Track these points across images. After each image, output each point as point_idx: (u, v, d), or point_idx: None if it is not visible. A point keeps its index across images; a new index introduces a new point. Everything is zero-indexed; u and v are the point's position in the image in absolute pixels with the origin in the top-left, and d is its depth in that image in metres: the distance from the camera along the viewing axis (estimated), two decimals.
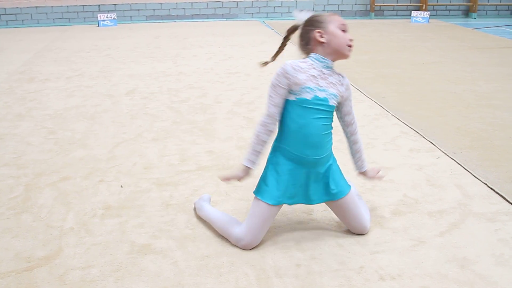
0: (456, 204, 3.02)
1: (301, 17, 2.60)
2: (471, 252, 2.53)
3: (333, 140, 2.62)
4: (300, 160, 2.53)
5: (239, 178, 2.58)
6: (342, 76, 2.60)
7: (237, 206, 2.99)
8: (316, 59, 2.52)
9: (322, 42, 2.50)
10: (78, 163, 3.65)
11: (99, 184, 3.30)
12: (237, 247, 2.57)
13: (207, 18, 12.35)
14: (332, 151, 2.66)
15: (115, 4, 12.06)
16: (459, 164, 3.61)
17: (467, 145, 3.98)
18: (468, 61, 7.27)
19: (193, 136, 4.18)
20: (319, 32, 2.51)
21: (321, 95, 2.48)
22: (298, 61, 2.52)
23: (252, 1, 12.25)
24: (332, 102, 2.53)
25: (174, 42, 8.96)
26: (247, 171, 2.56)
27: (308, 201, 2.64)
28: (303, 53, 2.61)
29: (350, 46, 2.52)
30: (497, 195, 3.14)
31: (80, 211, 2.95)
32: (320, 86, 2.49)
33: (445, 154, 3.79)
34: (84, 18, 12.07)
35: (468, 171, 3.49)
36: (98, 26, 11.35)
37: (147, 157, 3.75)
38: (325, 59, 2.52)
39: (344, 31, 2.51)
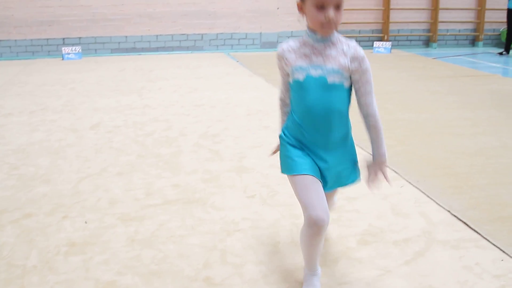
0: (421, 232, 3.05)
1: None
2: (436, 280, 2.55)
3: None
4: (313, 144, 2.33)
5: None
6: (349, 45, 2.26)
7: (203, 239, 2.97)
8: (307, 34, 2.26)
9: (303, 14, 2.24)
10: (42, 199, 3.59)
11: (63, 220, 3.25)
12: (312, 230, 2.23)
13: (172, 51, 12.39)
14: (350, 135, 2.48)
15: (79, 37, 12.03)
16: (422, 192, 3.65)
17: (430, 173, 4.04)
18: (429, 90, 7.41)
19: (158, 170, 4.15)
20: (298, 4, 2.25)
21: (316, 73, 2.22)
22: (292, 40, 2.31)
23: (217, 34, 12.34)
24: (333, 79, 2.22)
25: (139, 75, 8.95)
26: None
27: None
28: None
29: (324, 26, 2.17)
30: (461, 222, 3.18)
31: (43, 248, 2.89)
32: (314, 64, 2.22)
33: (409, 182, 3.84)
34: (49, 51, 12.00)
35: (432, 199, 3.53)
36: (63, 59, 11.28)
37: (112, 192, 3.71)
38: (312, 32, 2.23)
39: (321, 7, 2.13)
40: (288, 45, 2.29)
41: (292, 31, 12.78)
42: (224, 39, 12.57)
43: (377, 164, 2.50)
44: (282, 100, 2.49)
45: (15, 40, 11.85)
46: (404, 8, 13.17)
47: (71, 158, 4.50)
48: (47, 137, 5.20)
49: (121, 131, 5.34)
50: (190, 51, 12.40)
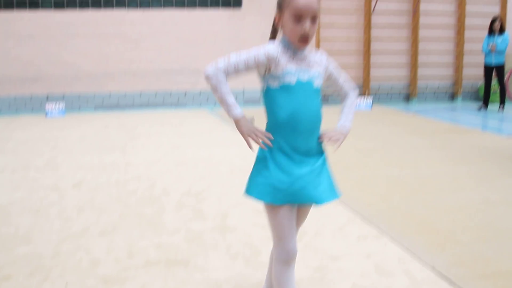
0: None
1: None
2: None
3: None
4: (293, 150, 2.38)
5: (248, 132, 2.39)
6: (320, 54, 2.50)
7: None
8: (284, 43, 2.39)
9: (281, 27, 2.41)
10: (21, 261, 3.53)
11: (43, 283, 3.19)
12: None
13: (156, 108, 12.45)
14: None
15: (63, 94, 12.07)
16: (406, 248, 3.65)
17: (413, 230, 4.04)
18: (410, 145, 7.50)
19: (141, 229, 4.12)
20: (276, 16, 2.42)
21: (304, 77, 2.38)
22: (273, 44, 2.39)
23: (200, 91, 12.45)
24: (317, 83, 2.42)
25: (123, 132, 8.96)
26: (243, 119, 2.39)
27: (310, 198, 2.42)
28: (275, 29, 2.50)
29: (302, 38, 2.33)
30: (445, 279, 3.17)
31: None
32: (302, 68, 2.38)
33: (393, 239, 3.84)
34: (32, 108, 12.01)
35: (416, 256, 3.52)
36: (46, 116, 11.28)
37: (94, 253, 3.66)
38: (290, 44, 2.39)
39: (299, 20, 2.30)
40: (277, 48, 2.35)
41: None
42: (208, 96, 12.67)
43: (339, 130, 2.62)
44: (222, 76, 2.33)
45: None
46: (384, 65, 13.44)
47: (53, 218, 4.45)
48: (28, 195, 5.15)
49: (104, 190, 5.31)
50: (174, 108, 12.48)
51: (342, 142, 2.59)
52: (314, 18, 2.33)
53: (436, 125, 9.42)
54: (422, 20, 13.49)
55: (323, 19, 12.84)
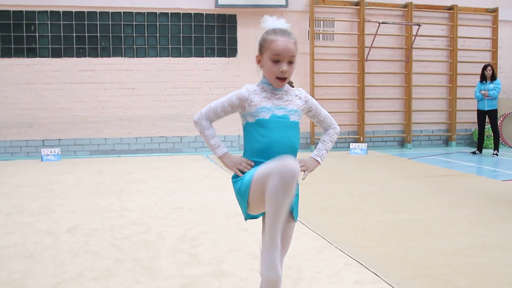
0: None
1: (266, 25, 2.77)
2: None
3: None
4: None
5: (234, 165, 2.70)
6: (299, 91, 2.80)
7: None
8: (264, 82, 2.75)
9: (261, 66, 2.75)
10: None
11: None
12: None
13: (151, 153, 12.48)
14: None
15: (59, 139, 12.11)
16: None
17: (410, 275, 4.01)
18: (406, 190, 7.50)
19: (135, 275, 4.07)
20: (257, 56, 2.78)
21: (280, 113, 2.67)
22: (255, 85, 2.74)
23: (196, 136, 12.50)
24: (294, 118, 2.71)
25: (118, 177, 8.95)
26: (226, 154, 2.77)
27: None
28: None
29: (279, 78, 2.67)
30: None
31: None
32: (277, 105, 2.68)
33: (389, 285, 3.80)
34: (28, 152, 12.02)
35: None
36: (42, 161, 11.28)
37: None
38: (269, 83, 2.73)
39: (276, 61, 2.65)
40: (252, 89, 2.72)
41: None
42: (203, 141, 12.67)
43: (311, 160, 3.00)
44: (206, 128, 2.78)
45: None
46: (378, 111, 13.56)
47: (47, 262, 4.40)
48: (22, 240, 5.10)
49: (99, 234, 5.27)
50: (169, 153, 12.50)
51: (307, 174, 2.96)
52: (291, 61, 2.68)
53: (431, 170, 9.45)
54: (415, 66, 13.69)
55: (317, 65, 13.01)
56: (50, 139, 12.11)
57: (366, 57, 13.18)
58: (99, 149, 12.34)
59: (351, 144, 12.47)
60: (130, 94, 12.38)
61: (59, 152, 11.52)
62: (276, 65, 2.64)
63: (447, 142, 14.19)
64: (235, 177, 2.75)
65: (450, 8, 13.82)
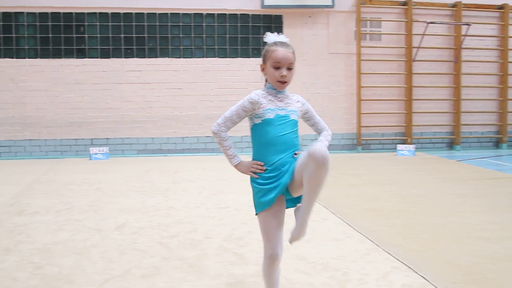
0: None
1: (268, 39, 3.22)
2: None
3: None
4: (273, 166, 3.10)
5: (247, 169, 3.19)
6: (297, 96, 3.30)
7: None
8: (269, 87, 3.20)
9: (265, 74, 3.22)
10: None
11: None
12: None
13: (198, 153, 12.57)
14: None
15: (107, 138, 12.30)
16: None
17: (460, 279, 3.93)
18: (455, 193, 7.35)
19: (182, 273, 4.10)
20: (261, 65, 3.24)
21: (282, 113, 3.14)
22: (261, 90, 3.20)
23: (242, 136, 12.52)
24: (294, 117, 3.18)
25: (165, 176, 9.04)
26: (241, 163, 3.23)
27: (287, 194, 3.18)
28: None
29: (280, 81, 3.13)
30: None
31: None
32: (280, 107, 3.15)
33: None
34: (77, 151, 12.25)
35: None
36: (90, 159, 11.49)
37: None
38: (273, 88, 3.19)
39: (277, 68, 3.11)
40: (260, 93, 3.17)
41: (315, 134, 12.90)
42: (249, 142, 12.71)
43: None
44: (222, 138, 3.26)
45: (45, 140, 12.15)
46: (426, 112, 13.33)
47: (95, 259, 4.48)
48: (72, 236, 5.21)
49: (146, 233, 5.33)
50: (215, 153, 12.56)
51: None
52: (290, 67, 3.14)
53: (481, 173, 9.24)
54: (464, 67, 13.41)
55: (363, 65, 12.89)
56: (99, 138, 12.32)
57: (414, 58, 12.98)
58: (146, 148, 12.50)
59: (398, 145, 12.31)
60: (177, 94, 12.50)
61: (107, 151, 11.71)
62: (277, 71, 3.11)
63: (497, 144, 13.85)
64: (252, 179, 3.19)
65: (501, 7, 13.48)
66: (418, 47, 12.86)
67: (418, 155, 12.14)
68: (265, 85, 3.24)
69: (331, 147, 12.70)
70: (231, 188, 7.78)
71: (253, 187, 3.20)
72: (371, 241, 4.98)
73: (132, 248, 4.81)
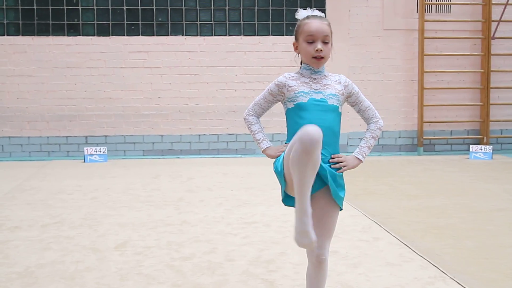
0: None
1: (300, 15, 3.59)
2: None
3: None
4: None
5: (275, 153, 3.54)
6: (339, 76, 3.53)
7: None
8: (304, 68, 3.50)
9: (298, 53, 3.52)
10: None
11: None
12: None
13: (218, 154, 12.60)
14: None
15: (105, 136, 12.40)
16: None
17: None
18: None
19: None
20: (294, 43, 3.58)
21: (318, 96, 3.39)
22: (294, 72, 3.52)
23: (273, 134, 12.53)
24: (332, 102, 3.41)
25: (177, 183, 9.10)
26: (270, 148, 3.60)
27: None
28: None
29: (315, 57, 3.39)
30: None
31: None
32: (315, 89, 3.41)
33: None
34: (68, 151, 12.38)
35: None
36: (84, 161, 11.62)
37: None
38: (309, 66, 3.47)
39: (311, 42, 3.39)
40: (289, 75, 3.50)
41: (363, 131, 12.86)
42: (281, 141, 12.71)
43: (352, 157, 3.63)
44: (251, 123, 3.67)
45: (28, 137, 12.29)
46: (508, 104, 13.17)
47: (90, 286, 4.53)
48: (61, 258, 5.27)
49: (153, 253, 5.38)
50: (239, 155, 12.59)
51: (345, 170, 3.55)
52: (325, 40, 3.40)
53: None
54: None
55: (427, 45, 12.79)
56: (95, 135, 12.42)
57: (493, 34, 12.84)
58: (154, 149, 12.58)
59: (471, 146, 12.20)
60: (192, 81, 12.54)
61: (106, 151, 11.82)
62: (311, 45, 3.37)
63: None
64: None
65: None
66: (499, 21, 12.73)
67: (497, 158, 12.03)
68: (300, 67, 3.54)
69: (384, 149, 12.68)
70: (259, 199, 7.80)
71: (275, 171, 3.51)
72: (436, 267, 4.95)
73: (135, 272, 4.85)
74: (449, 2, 13.03)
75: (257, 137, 3.61)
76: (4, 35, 12.16)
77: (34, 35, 12.23)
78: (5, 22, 12.17)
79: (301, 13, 3.53)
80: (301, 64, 3.55)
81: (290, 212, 6.91)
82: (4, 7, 12.14)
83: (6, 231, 6.24)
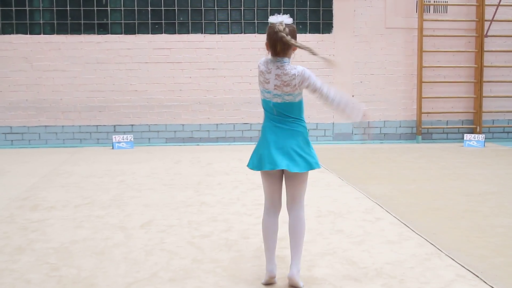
0: None
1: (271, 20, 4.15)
2: None
3: None
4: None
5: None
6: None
7: None
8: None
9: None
10: None
11: None
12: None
13: (234, 142, 12.61)
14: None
15: (132, 125, 12.44)
16: None
17: None
18: None
19: (215, 277, 4.15)
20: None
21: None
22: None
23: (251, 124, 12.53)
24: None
25: (197, 168, 9.12)
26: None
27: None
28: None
29: None
30: None
31: None
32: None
33: None
34: (98, 139, 12.42)
35: None
36: (113, 148, 11.65)
37: None
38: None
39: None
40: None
41: (368, 121, 12.82)
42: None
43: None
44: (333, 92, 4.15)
45: (62, 126, 12.35)
46: (499, 96, 13.09)
47: (118, 260, 4.56)
48: (92, 235, 5.30)
49: (175, 231, 5.40)
50: (254, 142, 12.55)
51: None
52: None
53: None
54: None
55: (426, 42, 12.71)
56: (122, 124, 12.46)
57: (486, 33, 12.73)
58: (176, 137, 12.60)
59: (465, 135, 12.13)
60: (210, 75, 12.54)
61: (132, 139, 11.85)
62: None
63: None
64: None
65: None
66: (492, 20, 12.62)
67: (489, 146, 11.96)
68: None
69: (386, 137, 12.64)
70: None
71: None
72: (432, 244, 4.94)
73: (159, 248, 4.88)
74: (446, 3, 12.94)
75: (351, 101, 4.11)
76: (40, 34, 12.20)
77: (68, 34, 12.26)
78: (41, 22, 12.21)
79: (271, 19, 4.07)
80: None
81: None
82: (41, 8, 12.17)
83: (43, 210, 6.28)
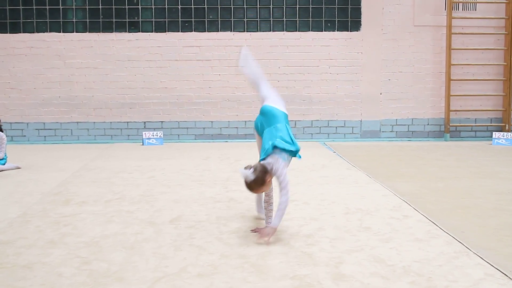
0: None
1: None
2: None
3: None
4: None
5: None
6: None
7: None
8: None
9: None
10: None
11: None
12: None
13: None
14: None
15: (162, 122, 12.51)
16: None
17: None
18: None
19: (243, 273, 4.14)
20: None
21: None
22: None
23: (312, 121, 12.49)
24: None
25: (225, 164, 9.13)
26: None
27: None
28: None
29: None
30: None
31: None
32: None
33: None
34: (128, 135, 12.52)
35: None
36: (143, 144, 11.72)
37: None
38: None
39: None
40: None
41: (396, 119, 12.77)
42: (320, 127, 12.69)
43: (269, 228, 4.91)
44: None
45: (94, 123, 12.48)
46: None
47: (148, 255, 4.57)
48: (122, 229, 5.33)
49: (204, 227, 5.40)
50: None
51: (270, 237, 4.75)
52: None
53: None
54: None
55: (455, 40, 12.58)
56: (152, 121, 12.54)
57: None
58: (205, 133, 12.64)
59: (494, 133, 11.99)
60: (239, 73, 12.54)
61: (162, 135, 11.91)
62: None
63: None
64: None
65: None
66: None
67: None
68: None
69: (414, 135, 12.54)
70: (299, 179, 7.77)
71: None
72: (461, 243, 4.88)
73: (188, 243, 4.88)
74: (475, 1, 12.79)
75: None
76: (73, 32, 12.33)
77: (99, 32, 12.37)
78: (74, 20, 12.32)
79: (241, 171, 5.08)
80: None
81: (328, 191, 6.90)
82: (73, 7, 12.28)
83: (75, 205, 6.33)
